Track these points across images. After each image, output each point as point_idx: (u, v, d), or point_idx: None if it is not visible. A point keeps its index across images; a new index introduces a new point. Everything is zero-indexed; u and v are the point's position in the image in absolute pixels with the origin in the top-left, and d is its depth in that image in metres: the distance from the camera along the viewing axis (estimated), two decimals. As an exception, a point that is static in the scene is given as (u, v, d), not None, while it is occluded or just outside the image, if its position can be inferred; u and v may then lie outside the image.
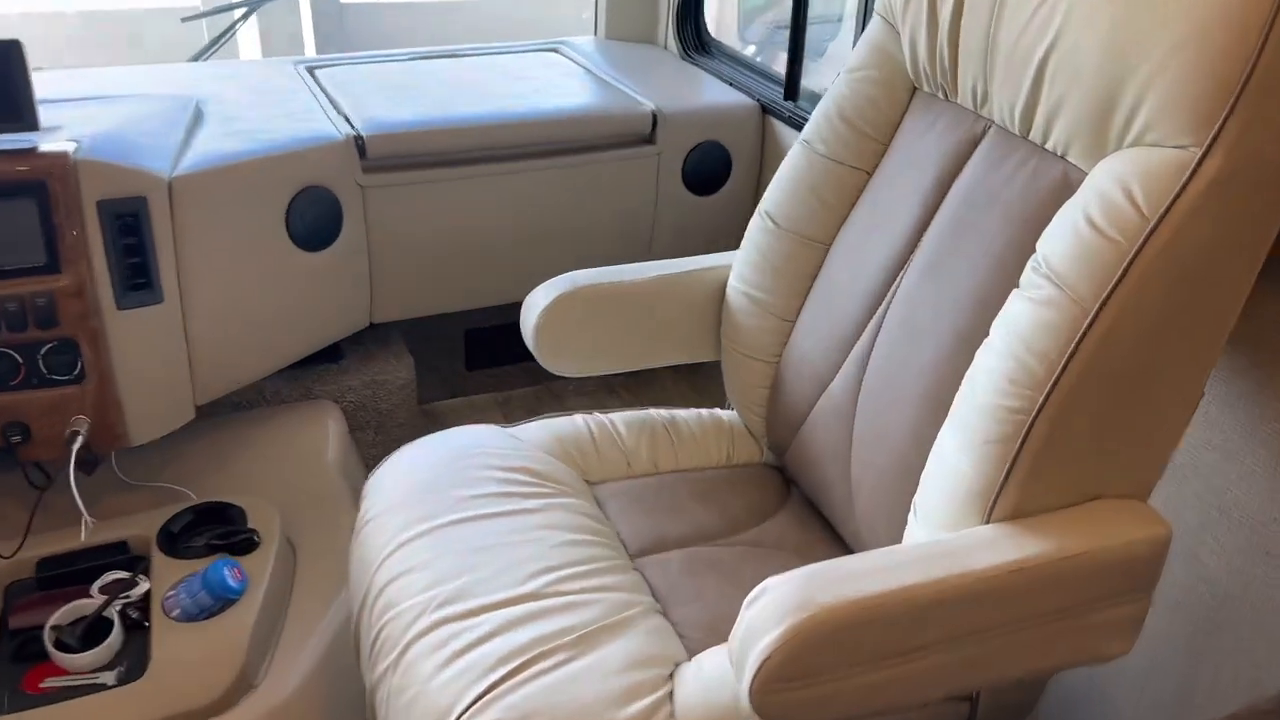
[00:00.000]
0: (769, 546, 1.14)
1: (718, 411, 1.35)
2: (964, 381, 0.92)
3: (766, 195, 1.23)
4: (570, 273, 1.28)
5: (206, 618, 1.34)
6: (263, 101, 1.73)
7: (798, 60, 1.81)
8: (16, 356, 1.34)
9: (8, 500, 1.48)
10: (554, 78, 1.99)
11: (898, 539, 1.01)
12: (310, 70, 1.96)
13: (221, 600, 1.34)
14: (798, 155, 1.20)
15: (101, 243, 1.34)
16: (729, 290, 1.27)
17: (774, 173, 1.87)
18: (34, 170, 1.30)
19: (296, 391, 1.78)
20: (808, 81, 1.85)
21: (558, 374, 1.27)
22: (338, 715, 1.33)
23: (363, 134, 1.63)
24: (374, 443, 1.87)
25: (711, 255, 1.33)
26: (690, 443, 1.29)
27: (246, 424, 1.71)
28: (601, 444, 1.26)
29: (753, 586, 1.00)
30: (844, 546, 1.16)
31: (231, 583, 1.35)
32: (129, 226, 1.36)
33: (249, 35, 3.71)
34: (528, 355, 2.23)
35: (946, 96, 1.09)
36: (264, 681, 1.30)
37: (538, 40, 2.21)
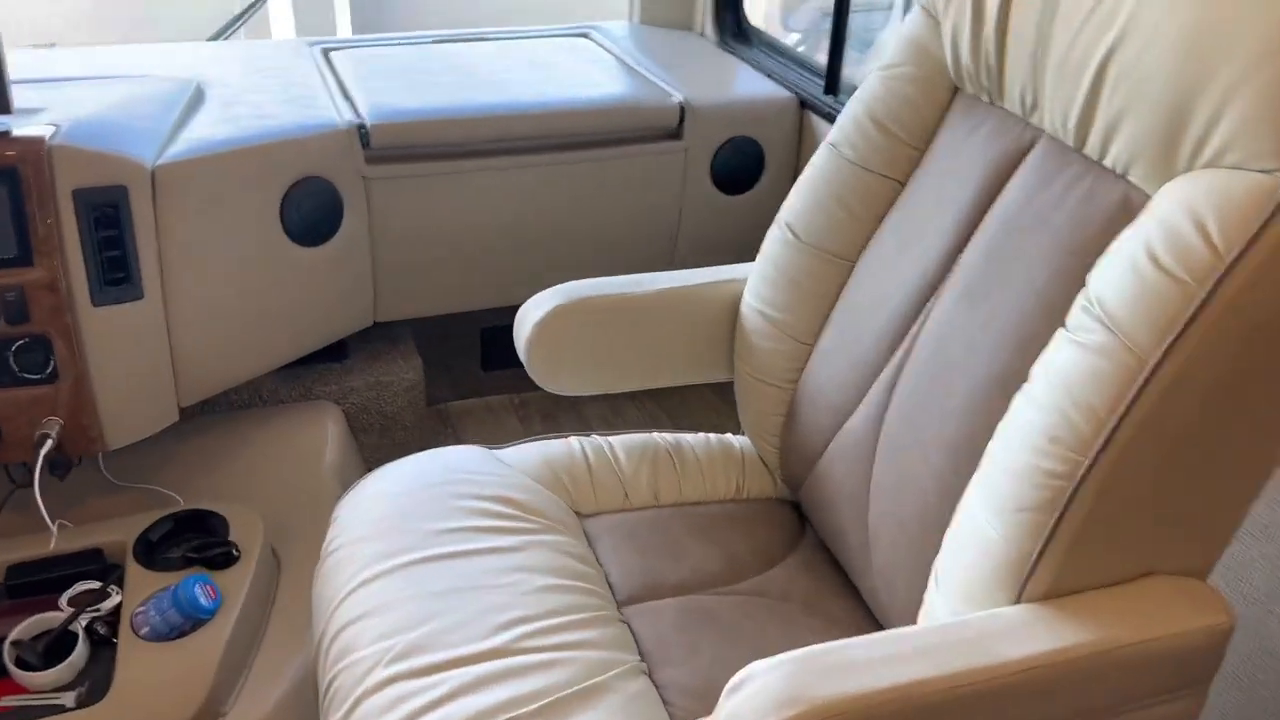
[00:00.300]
0: (774, 597, 1.03)
1: (729, 437, 1.23)
2: (997, 433, 0.79)
3: (787, 205, 1.11)
4: (569, 283, 1.17)
5: (176, 637, 1.26)
6: (266, 85, 1.64)
7: (839, 51, 1.67)
8: (-13, 353, 1.27)
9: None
10: (579, 65, 1.88)
11: (918, 602, 0.89)
12: (325, 52, 1.86)
13: (192, 619, 1.26)
14: (823, 160, 1.08)
15: (77, 234, 1.26)
16: (743, 307, 1.15)
17: (810, 173, 1.76)
18: (4, 156, 1.22)
19: (295, 392, 1.70)
20: (852, 74, 1.71)
21: (554, 392, 1.16)
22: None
23: (367, 122, 1.54)
24: (378, 446, 1.78)
25: (725, 267, 1.21)
26: (696, 472, 1.17)
27: (240, 425, 1.63)
28: (597, 471, 1.15)
29: (753, 647, 0.89)
30: (858, 601, 1.04)
31: (203, 601, 1.27)
32: (108, 217, 1.28)
33: (283, 14, 3.64)
34: None
35: (991, 100, 0.96)
36: (232, 709, 1.22)
37: (567, 24, 2.09)
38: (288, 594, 1.39)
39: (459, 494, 1.06)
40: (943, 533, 0.85)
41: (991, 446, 0.79)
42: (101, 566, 1.36)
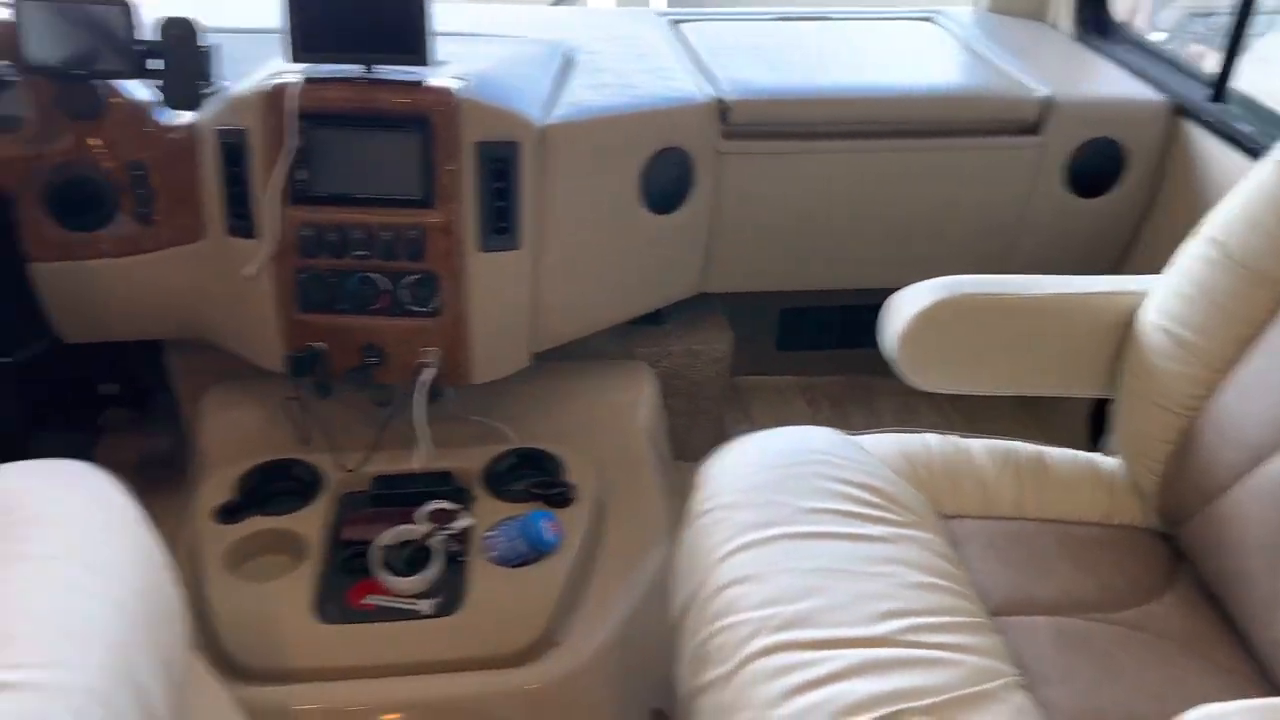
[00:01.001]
0: (1152, 633, 0.97)
1: (1096, 456, 1.18)
2: None
3: (1214, 219, 1.04)
4: (950, 276, 1.14)
5: (519, 564, 1.35)
6: (628, 54, 1.70)
7: (1234, 56, 1.54)
8: (383, 283, 1.40)
9: (348, 414, 1.56)
10: (928, 51, 1.83)
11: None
12: (674, 24, 1.91)
13: (536, 551, 1.35)
14: (1268, 176, 0.99)
15: (474, 183, 1.36)
16: (1144, 323, 1.09)
17: (1178, 183, 1.63)
18: (420, 105, 1.33)
19: (617, 349, 1.77)
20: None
21: (917, 386, 1.15)
22: (631, 688, 1.30)
23: (727, 97, 1.56)
24: (683, 412, 1.83)
25: (1121, 278, 1.15)
26: (1060, 488, 1.13)
27: (566, 375, 1.71)
28: (956, 472, 1.13)
29: (1135, 682, 0.85)
30: (1245, 652, 0.96)
31: (547, 535, 1.35)
32: (500, 170, 1.37)
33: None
34: (840, 342, 2.13)
35: None
36: (567, 640, 1.30)
37: (911, 9, 2.04)
38: (610, 539, 1.46)
39: (825, 475, 1.07)
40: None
41: None
42: (452, 489, 1.48)
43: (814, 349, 2.08)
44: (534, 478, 1.49)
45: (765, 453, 1.11)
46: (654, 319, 1.81)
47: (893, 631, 0.89)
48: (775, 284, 1.79)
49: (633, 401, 1.71)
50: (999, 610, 0.98)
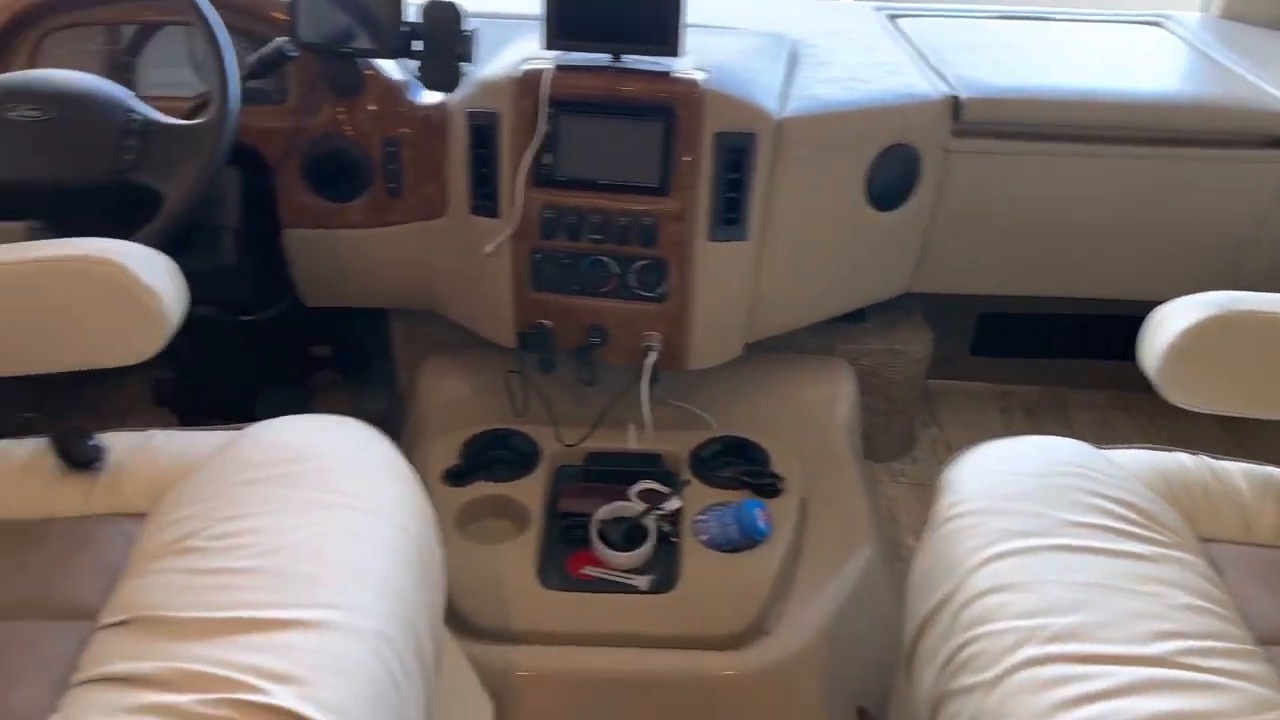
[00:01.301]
0: None
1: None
2: None
3: None
4: (1222, 292, 1.10)
5: (729, 551, 1.37)
6: (851, 47, 1.70)
7: None
8: (613, 267, 1.44)
9: (558, 390, 1.61)
10: (1159, 56, 1.76)
11: None
12: (892, 19, 1.89)
13: (749, 539, 1.37)
14: None
15: (709, 174, 1.38)
16: None
17: None
18: (666, 95, 1.36)
19: (818, 344, 1.77)
20: None
21: (1179, 405, 1.11)
22: (837, 684, 1.31)
23: (961, 95, 1.54)
24: (877, 411, 1.82)
25: None
26: (1326, 520, 1.08)
27: (767, 366, 1.72)
28: (1214, 494, 1.09)
29: None
30: None
31: (761, 524, 1.37)
32: (735, 161, 1.39)
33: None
34: (1038, 351, 2.07)
35: None
36: (777, 629, 1.32)
37: (1137, 11, 1.97)
38: (812, 532, 1.47)
39: (1081, 488, 1.05)
40: None
41: None
42: (662, 471, 1.51)
43: (1009, 356, 2.03)
44: (739, 466, 1.52)
45: (1018, 460, 1.09)
46: (855, 316, 1.80)
47: (1167, 653, 0.87)
48: (981, 287, 1.76)
49: (833, 397, 1.71)
50: (1268, 640, 0.95)
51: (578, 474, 1.52)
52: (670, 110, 1.36)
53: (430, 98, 1.46)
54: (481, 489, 1.45)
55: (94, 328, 1.04)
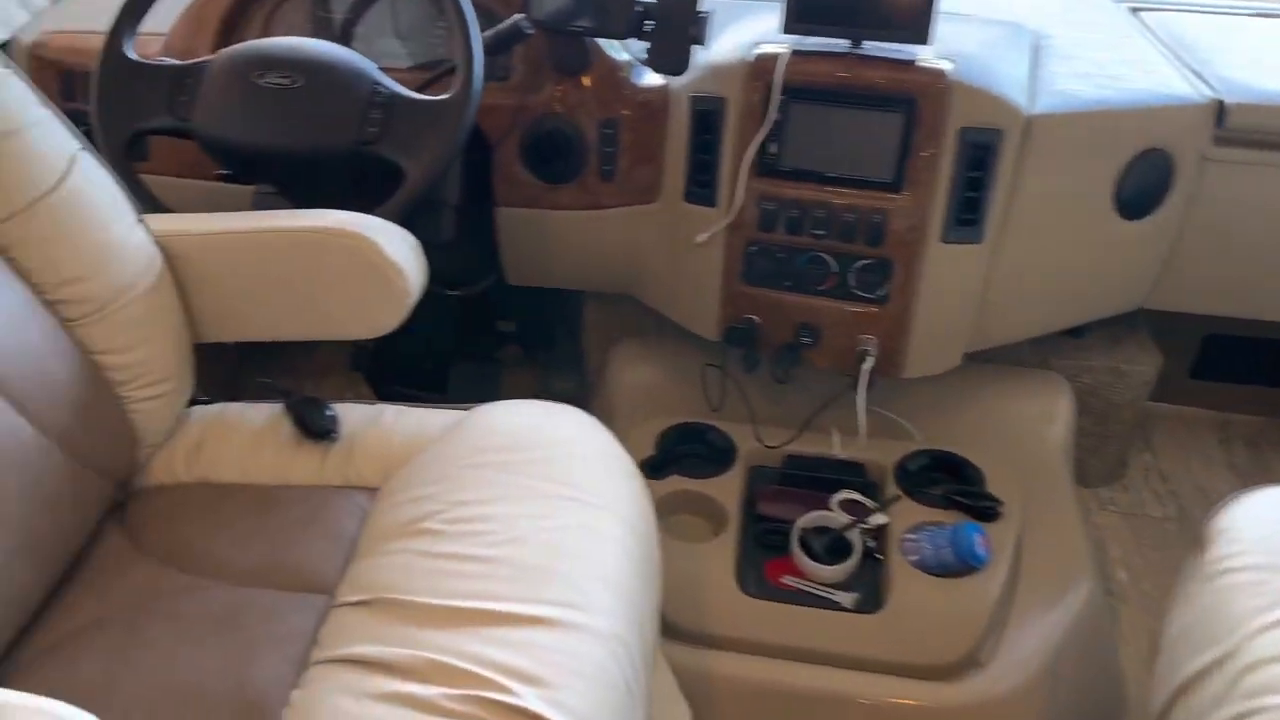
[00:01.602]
0: None
1: None
2: None
3: None
4: None
5: (941, 575, 1.29)
6: (1098, 42, 1.57)
7: None
8: (832, 264, 1.37)
9: (756, 388, 1.55)
10: None
11: None
12: (1134, 12, 1.74)
13: (964, 564, 1.28)
14: None
15: (949, 171, 1.30)
16: None
17: None
18: (909, 85, 1.28)
19: (1033, 357, 1.66)
20: None
21: None
22: (1055, 724, 1.22)
23: (1226, 99, 1.40)
24: (1089, 432, 1.69)
25: None
26: None
27: (976, 377, 1.62)
28: None
29: None
30: None
31: (979, 550, 1.28)
32: (978, 159, 1.29)
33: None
34: (1264, 379, 1.89)
35: None
36: (993, 662, 1.23)
37: None
38: (1028, 561, 1.37)
39: (1387, 551, 0.93)
40: None
41: None
42: (864, 482, 1.44)
43: (1235, 382, 1.86)
44: (948, 483, 1.43)
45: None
46: (1075, 330, 1.68)
47: None
48: (1217, 307, 1.60)
49: (1048, 416, 1.60)
50: None
51: (774, 476, 1.47)
52: (912, 101, 1.28)
53: (652, 79, 1.42)
54: (678, 484, 1.41)
55: (339, 300, 1.05)
